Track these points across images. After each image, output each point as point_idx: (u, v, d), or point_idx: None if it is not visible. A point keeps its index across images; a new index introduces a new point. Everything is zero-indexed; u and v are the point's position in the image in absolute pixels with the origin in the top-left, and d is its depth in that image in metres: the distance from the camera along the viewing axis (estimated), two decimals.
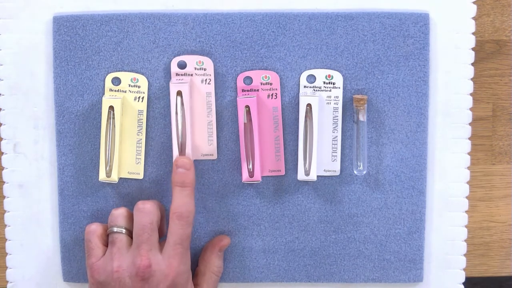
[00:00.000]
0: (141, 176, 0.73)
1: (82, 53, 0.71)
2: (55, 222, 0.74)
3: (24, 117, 0.73)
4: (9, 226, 0.74)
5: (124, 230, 0.68)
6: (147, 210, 0.67)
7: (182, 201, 0.67)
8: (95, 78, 0.72)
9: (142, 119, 0.72)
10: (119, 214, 0.69)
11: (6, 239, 0.74)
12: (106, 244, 0.69)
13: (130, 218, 0.69)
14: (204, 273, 0.71)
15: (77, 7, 0.71)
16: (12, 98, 0.72)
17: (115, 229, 0.68)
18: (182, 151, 0.70)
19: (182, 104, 0.70)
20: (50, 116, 0.73)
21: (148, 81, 0.72)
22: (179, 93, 0.69)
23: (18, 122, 0.73)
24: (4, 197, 0.74)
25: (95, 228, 0.69)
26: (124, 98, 0.72)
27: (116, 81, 0.71)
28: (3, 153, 0.73)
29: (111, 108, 0.70)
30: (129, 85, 0.71)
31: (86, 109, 0.72)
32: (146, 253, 0.65)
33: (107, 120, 0.70)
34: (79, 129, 0.72)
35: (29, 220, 0.74)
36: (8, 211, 0.74)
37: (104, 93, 0.72)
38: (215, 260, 0.71)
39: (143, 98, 0.72)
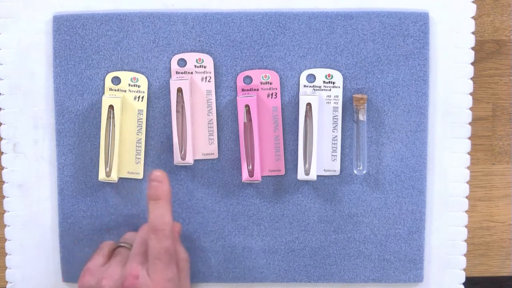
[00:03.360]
0: (141, 176, 0.73)
1: (82, 52, 0.71)
2: (55, 222, 0.74)
3: (24, 117, 0.73)
4: (9, 226, 0.74)
5: (129, 246, 0.68)
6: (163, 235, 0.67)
7: (156, 214, 0.65)
8: (95, 78, 0.72)
9: (142, 119, 0.72)
10: (131, 234, 0.70)
11: (6, 239, 0.74)
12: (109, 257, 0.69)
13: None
14: (177, 264, 0.68)
15: (77, 6, 0.71)
16: (12, 98, 0.72)
17: (122, 244, 0.68)
18: (183, 149, 0.70)
19: (183, 101, 0.70)
20: (50, 115, 0.73)
21: (148, 81, 0.72)
22: (179, 90, 0.70)
23: (18, 122, 0.73)
24: (4, 197, 0.74)
25: (111, 243, 0.70)
26: (124, 98, 0.72)
27: (116, 80, 0.71)
28: (3, 153, 0.73)
29: (111, 107, 0.70)
30: (129, 85, 0.71)
31: (86, 109, 0.72)
32: (136, 265, 0.64)
33: (107, 120, 0.70)
34: (79, 129, 0.72)
35: (29, 220, 0.74)
36: (8, 211, 0.74)
37: (104, 93, 0.72)
38: (179, 247, 0.69)
39: (143, 97, 0.72)
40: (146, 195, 0.67)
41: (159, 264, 0.63)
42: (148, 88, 0.72)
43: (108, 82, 0.71)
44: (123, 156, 0.72)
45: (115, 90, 0.72)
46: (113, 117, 0.70)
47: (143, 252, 0.65)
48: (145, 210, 0.73)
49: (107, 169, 0.71)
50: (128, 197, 0.73)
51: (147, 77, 0.72)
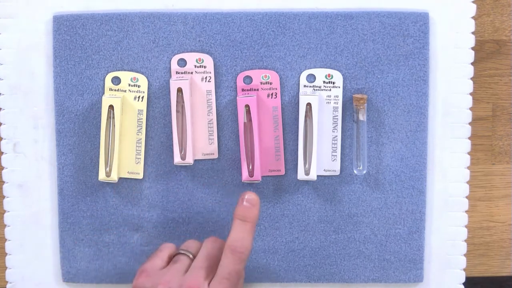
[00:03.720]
0: (141, 176, 0.73)
1: (82, 52, 0.71)
2: (55, 222, 0.74)
3: (24, 116, 0.73)
4: (9, 226, 0.74)
5: (191, 255, 0.65)
6: (219, 243, 0.65)
7: (239, 235, 0.63)
8: (95, 78, 0.72)
9: (142, 119, 0.72)
10: (193, 243, 0.67)
11: (6, 239, 0.74)
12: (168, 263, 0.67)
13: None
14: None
15: (77, 6, 0.71)
16: (12, 98, 0.72)
17: (183, 251, 0.66)
18: (183, 149, 0.70)
19: (183, 101, 0.70)
20: (50, 115, 0.73)
21: (148, 81, 0.72)
22: (179, 90, 0.70)
23: (18, 122, 0.73)
24: (4, 197, 0.74)
25: (171, 246, 0.68)
26: (124, 98, 0.72)
27: (116, 80, 0.71)
28: (3, 153, 0.73)
29: (111, 107, 0.70)
30: (129, 85, 0.71)
31: (86, 109, 0.72)
32: (199, 278, 0.62)
33: (107, 120, 0.70)
34: (79, 129, 0.72)
35: (29, 220, 0.74)
36: (8, 211, 0.74)
37: (104, 93, 0.72)
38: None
39: (143, 97, 0.72)
40: (235, 213, 0.65)
41: (226, 284, 0.62)
42: (148, 88, 0.72)
43: (108, 82, 0.71)
44: (123, 156, 0.72)
45: (115, 90, 0.72)
46: (113, 117, 0.70)
47: (206, 266, 0.63)
48: (145, 210, 0.73)
49: (107, 169, 0.71)
50: (128, 197, 0.73)
51: (147, 77, 0.72)
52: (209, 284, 0.62)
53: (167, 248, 0.67)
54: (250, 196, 0.65)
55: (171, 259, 0.66)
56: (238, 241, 0.63)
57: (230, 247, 0.62)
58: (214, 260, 0.64)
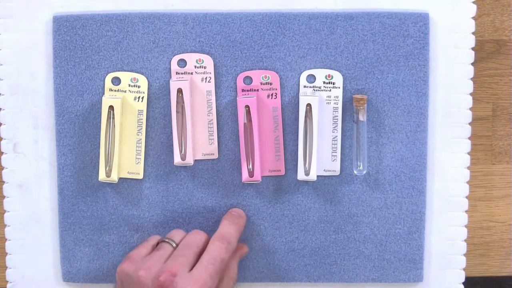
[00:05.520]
0: (141, 176, 0.73)
1: (82, 53, 0.71)
2: (55, 222, 0.74)
3: (24, 117, 0.73)
4: (9, 226, 0.74)
5: (174, 244, 0.68)
6: (204, 236, 0.68)
7: (227, 230, 0.68)
8: (95, 78, 0.72)
9: (142, 119, 0.72)
10: (178, 232, 0.70)
11: (6, 239, 0.74)
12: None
13: None
14: (222, 279, 0.68)
15: (77, 6, 0.71)
16: (12, 98, 0.72)
17: (166, 240, 0.68)
18: (183, 150, 0.70)
19: (183, 101, 0.70)
20: (50, 116, 0.73)
21: (148, 81, 0.72)
22: (179, 91, 0.70)
23: (18, 122, 0.73)
24: (4, 197, 0.74)
25: (158, 237, 0.71)
26: (124, 98, 0.72)
27: (116, 81, 0.71)
28: (3, 153, 0.73)
29: (111, 108, 0.70)
30: (129, 85, 0.71)
31: (86, 109, 0.72)
32: (178, 264, 0.63)
33: (107, 120, 0.70)
34: (79, 129, 0.72)
35: (29, 220, 0.74)
36: (8, 211, 0.74)
37: (104, 93, 0.72)
38: (235, 266, 0.70)
39: (143, 98, 0.72)
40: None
41: (211, 269, 0.63)
42: (148, 88, 0.72)
43: (108, 83, 0.71)
44: (123, 156, 0.72)
45: (115, 90, 0.72)
46: (113, 118, 0.70)
47: (188, 254, 0.65)
48: (145, 210, 0.73)
49: (107, 169, 0.71)
50: (128, 197, 0.73)
51: (147, 78, 0.71)
52: (191, 270, 0.63)
53: (154, 239, 0.70)
54: (237, 209, 0.72)
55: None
56: (226, 233, 0.67)
57: (218, 236, 0.66)
58: (196, 250, 0.66)
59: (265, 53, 0.71)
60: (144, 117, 0.72)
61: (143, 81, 0.71)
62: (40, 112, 0.73)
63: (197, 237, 0.68)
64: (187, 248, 0.66)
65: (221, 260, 0.65)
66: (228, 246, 0.66)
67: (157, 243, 0.69)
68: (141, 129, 0.72)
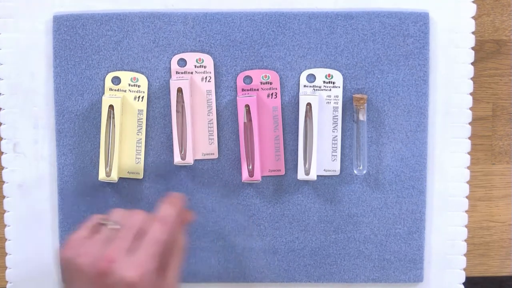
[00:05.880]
0: (141, 176, 0.73)
1: (82, 52, 0.71)
2: (55, 222, 0.74)
3: (24, 117, 0.73)
4: (9, 226, 0.74)
5: (113, 225, 0.65)
6: (144, 216, 0.65)
7: (166, 211, 0.64)
8: (95, 78, 0.72)
9: (142, 119, 0.72)
10: (120, 212, 0.66)
11: (6, 239, 0.74)
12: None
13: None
14: (172, 252, 0.66)
15: (77, 6, 0.71)
16: (12, 98, 0.72)
17: (105, 221, 0.65)
18: (183, 149, 0.70)
19: (183, 101, 0.70)
20: (50, 116, 0.73)
21: (148, 81, 0.72)
22: (179, 90, 0.70)
23: (18, 122, 0.73)
24: (4, 197, 0.74)
25: (99, 217, 0.66)
26: (124, 98, 0.72)
27: (116, 80, 0.71)
28: (3, 153, 0.73)
29: (111, 107, 0.70)
30: (129, 85, 0.71)
31: (86, 109, 0.72)
32: (117, 249, 0.62)
33: (107, 120, 0.70)
34: (79, 129, 0.72)
35: (29, 220, 0.74)
36: (8, 211, 0.74)
37: (104, 93, 0.72)
38: (182, 236, 0.67)
39: (143, 97, 0.72)
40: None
41: (150, 251, 0.62)
42: (148, 88, 0.72)
43: (108, 82, 0.71)
44: (123, 156, 0.72)
45: (115, 90, 0.72)
46: (113, 117, 0.70)
47: (126, 238, 0.63)
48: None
49: (107, 169, 0.71)
50: (128, 197, 0.73)
51: (147, 77, 0.71)
52: (131, 253, 0.62)
53: (95, 219, 0.66)
54: (175, 193, 0.66)
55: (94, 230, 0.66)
56: (166, 215, 0.64)
57: (159, 218, 0.63)
58: (135, 231, 0.63)
59: (265, 53, 0.71)
60: (144, 116, 0.72)
61: (143, 81, 0.71)
62: (40, 112, 0.73)
63: (137, 217, 0.65)
64: (126, 230, 0.63)
65: (162, 242, 0.63)
66: (167, 226, 0.64)
67: (98, 224, 0.66)
68: (141, 128, 0.72)
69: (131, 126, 0.72)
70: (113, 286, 0.60)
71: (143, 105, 0.72)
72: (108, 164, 0.71)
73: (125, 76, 0.71)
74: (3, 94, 0.72)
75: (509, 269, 0.80)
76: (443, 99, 0.73)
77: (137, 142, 0.72)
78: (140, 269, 0.60)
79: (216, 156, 0.73)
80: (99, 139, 0.71)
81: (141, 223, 0.64)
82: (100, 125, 0.71)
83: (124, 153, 0.72)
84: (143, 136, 0.72)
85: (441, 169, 0.74)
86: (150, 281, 0.61)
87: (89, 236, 0.65)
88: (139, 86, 0.72)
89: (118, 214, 0.67)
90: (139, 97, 0.72)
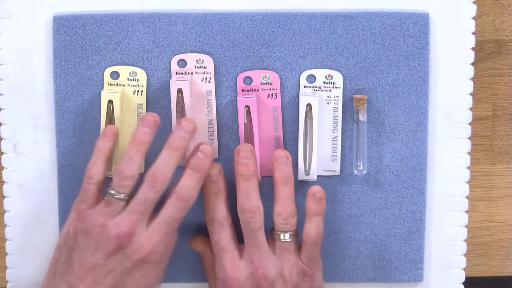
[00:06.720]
0: (141, 171, 0.72)
1: (82, 52, 0.71)
2: (55, 222, 0.74)
3: (24, 117, 0.73)
4: (9, 226, 0.74)
5: (126, 198, 0.66)
6: (160, 188, 0.65)
7: (188, 183, 0.65)
8: (95, 78, 0.72)
9: (141, 113, 0.72)
10: (129, 177, 0.66)
11: (6, 239, 0.74)
12: (101, 190, 0.67)
13: (138, 185, 0.67)
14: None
15: (77, 6, 0.71)
16: (12, 98, 0.72)
17: (116, 195, 0.66)
18: None
19: (183, 102, 0.70)
20: (50, 116, 0.73)
21: (147, 75, 0.71)
22: (179, 91, 0.70)
23: (18, 122, 0.73)
24: (4, 197, 0.74)
25: (96, 177, 0.67)
26: (123, 92, 0.71)
27: (115, 75, 0.71)
28: (3, 153, 0.73)
29: (110, 102, 0.70)
30: (128, 79, 0.71)
31: (86, 109, 0.72)
32: (135, 222, 0.64)
33: (107, 115, 0.70)
34: (79, 129, 0.72)
35: (29, 220, 0.74)
36: (8, 211, 0.74)
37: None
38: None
39: (142, 91, 0.71)
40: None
41: (165, 227, 0.64)
42: (148, 88, 0.72)
43: (107, 77, 0.71)
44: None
45: (114, 84, 0.71)
46: (113, 113, 0.70)
47: (143, 211, 0.65)
48: None
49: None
50: None
51: (146, 75, 0.72)
52: (147, 226, 0.64)
53: (93, 182, 0.67)
54: (205, 148, 0.66)
55: (102, 187, 0.67)
56: (186, 188, 0.65)
57: (177, 193, 0.65)
58: (149, 205, 0.65)
59: (265, 53, 0.71)
60: (143, 111, 0.72)
61: (141, 75, 0.71)
62: (40, 112, 0.73)
63: (158, 192, 0.65)
64: (144, 204, 0.65)
65: (177, 220, 0.65)
66: (186, 204, 0.65)
67: (107, 193, 0.66)
68: None
69: (131, 123, 0.72)
70: (124, 259, 0.63)
71: (142, 99, 0.72)
72: (108, 159, 0.71)
73: (124, 70, 0.71)
74: (3, 94, 0.72)
75: (509, 269, 0.80)
76: (443, 99, 0.73)
77: None
78: (153, 243, 0.63)
79: (216, 156, 0.73)
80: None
81: (154, 195, 0.65)
82: (100, 125, 0.71)
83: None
84: None
85: (441, 169, 0.74)
86: (160, 254, 0.64)
87: (98, 202, 0.66)
88: (137, 80, 0.71)
89: (127, 179, 0.66)
90: (138, 91, 0.71)
